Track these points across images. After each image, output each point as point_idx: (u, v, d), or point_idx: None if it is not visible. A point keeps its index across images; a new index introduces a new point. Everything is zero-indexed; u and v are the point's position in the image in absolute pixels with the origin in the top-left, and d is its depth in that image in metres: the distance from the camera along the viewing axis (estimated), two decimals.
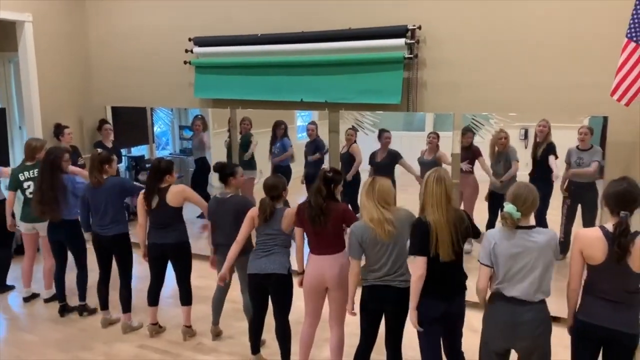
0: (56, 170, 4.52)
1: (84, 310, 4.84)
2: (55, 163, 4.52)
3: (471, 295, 3.11)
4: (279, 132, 5.76)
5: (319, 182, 3.47)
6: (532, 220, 2.86)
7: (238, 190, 4.24)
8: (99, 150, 4.56)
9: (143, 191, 4.24)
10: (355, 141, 5.30)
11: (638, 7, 3.62)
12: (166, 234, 4.20)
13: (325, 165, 5.37)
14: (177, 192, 4.17)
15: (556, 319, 3.74)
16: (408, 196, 5.01)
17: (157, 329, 4.47)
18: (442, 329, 3.15)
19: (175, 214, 4.19)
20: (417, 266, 3.02)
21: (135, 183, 4.95)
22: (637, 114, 4.14)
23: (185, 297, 4.36)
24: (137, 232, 4.29)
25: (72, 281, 4.86)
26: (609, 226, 2.70)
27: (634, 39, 3.67)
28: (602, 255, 2.69)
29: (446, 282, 3.05)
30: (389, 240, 3.18)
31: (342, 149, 5.34)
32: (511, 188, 2.88)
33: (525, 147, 4.69)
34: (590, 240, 2.73)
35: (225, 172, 4.11)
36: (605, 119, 4.24)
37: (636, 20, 3.65)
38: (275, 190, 3.68)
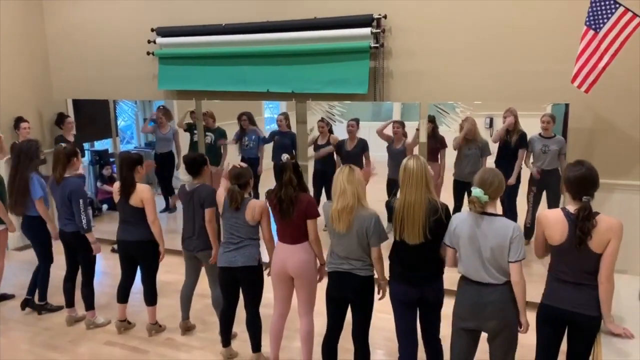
0: (30, 161, 4.42)
1: (43, 309, 4.72)
2: (29, 155, 4.41)
3: (450, 283, 3.13)
4: (244, 124, 5.71)
5: (289, 172, 3.44)
6: (499, 209, 2.91)
7: (206, 180, 4.18)
8: (63, 144, 4.42)
9: (117, 184, 4.15)
10: (331, 131, 5.31)
11: None
12: (130, 230, 4.13)
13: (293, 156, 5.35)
14: (139, 191, 4.06)
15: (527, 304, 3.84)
16: (378, 185, 5.07)
17: (125, 325, 4.39)
18: (415, 314, 3.19)
19: (135, 212, 4.08)
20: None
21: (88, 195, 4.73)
22: (597, 100, 4.24)
23: (150, 297, 4.28)
24: None
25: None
26: (571, 208, 2.76)
27: (593, 27, 3.74)
28: (562, 235, 2.75)
29: (414, 267, 3.08)
30: (347, 231, 3.18)
31: (317, 138, 5.33)
32: (478, 173, 2.94)
33: (490, 135, 4.77)
34: (552, 220, 2.79)
35: (198, 162, 4.03)
36: (567, 106, 4.33)
37: (595, 9, 3.73)
38: (243, 178, 3.63)
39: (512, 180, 4.57)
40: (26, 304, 4.75)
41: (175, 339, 4.29)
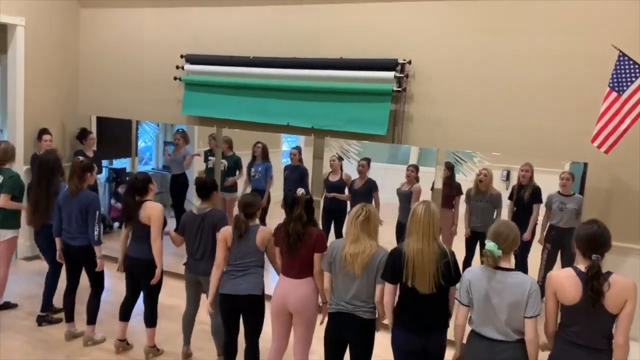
0: (53, 175, 4.51)
1: (43, 320, 4.71)
2: (50, 167, 4.50)
3: (450, 334, 3.07)
4: (257, 151, 5.78)
5: (300, 208, 3.44)
6: (512, 264, 2.87)
7: (215, 205, 4.19)
8: (81, 158, 4.48)
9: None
10: (341, 167, 5.34)
11: (621, 59, 3.73)
12: (136, 247, 4.13)
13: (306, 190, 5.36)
14: (148, 208, 4.07)
15: None
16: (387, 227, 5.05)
17: (124, 345, 4.35)
18: None
19: (145, 228, 4.07)
20: (385, 292, 3.07)
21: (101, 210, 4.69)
22: (615, 162, 4.22)
23: (150, 318, 4.24)
24: (120, 241, 4.24)
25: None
26: (581, 267, 2.71)
27: (616, 89, 3.76)
28: (576, 295, 2.67)
29: (423, 315, 3.02)
30: (361, 272, 3.15)
31: (328, 175, 5.35)
32: (492, 226, 2.90)
33: (507, 189, 4.74)
34: (563, 280, 2.72)
35: (208, 186, 4.07)
36: (585, 165, 4.31)
37: (619, 72, 3.76)
38: (251, 207, 3.64)
39: (527, 236, 4.52)
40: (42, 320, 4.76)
41: None
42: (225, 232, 3.70)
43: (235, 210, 3.84)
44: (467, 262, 4.74)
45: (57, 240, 4.38)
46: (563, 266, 4.44)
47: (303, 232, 3.41)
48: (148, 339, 4.27)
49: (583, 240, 2.74)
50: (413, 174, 5.02)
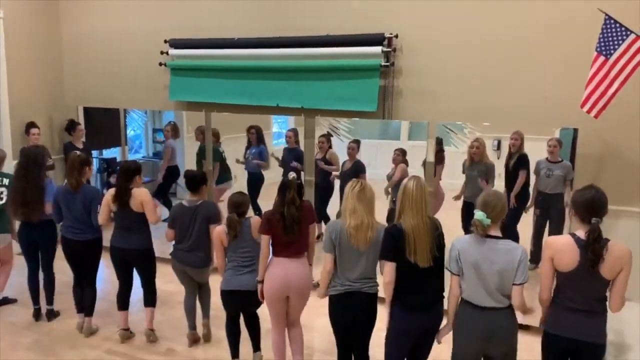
0: (42, 169, 4.46)
1: (52, 314, 4.73)
2: (38, 162, 4.45)
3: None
4: (252, 137, 5.74)
5: (293, 192, 3.47)
6: (499, 233, 2.91)
7: (206, 197, 4.24)
8: (78, 152, 4.45)
9: (111, 191, 4.16)
10: (330, 146, 5.32)
11: (607, 22, 3.73)
12: (130, 238, 4.15)
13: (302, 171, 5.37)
14: (137, 194, 4.11)
15: (524, 327, 3.81)
16: (379, 203, 5.07)
17: (128, 334, 4.39)
18: (413, 340, 3.13)
19: (138, 218, 4.13)
20: (386, 272, 3.04)
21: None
22: (606, 126, 4.25)
23: (149, 298, 4.32)
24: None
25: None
26: (580, 233, 2.74)
27: (603, 53, 3.77)
28: (573, 261, 2.71)
29: (425, 290, 3.04)
30: (366, 247, 3.17)
31: (316, 154, 5.35)
32: (480, 196, 2.94)
33: (498, 158, 4.76)
34: (561, 246, 2.76)
35: (198, 180, 4.11)
36: (576, 130, 4.34)
37: (606, 36, 3.76)
38: (243, 206, 3.74)
39: (512, 200, 4.57)
40: (38, 313, 4.75)
41: (176, 349, 4.27)
42: (220, 234, 3.75)
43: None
44: (467, 231, 4.77)
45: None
46: (550, 232, 4.50)
47: (298, 215, 3.46)
48: (148, 320, 4.34)
49: (582, 206, 2.76)
50: (399, 157, 5.02)
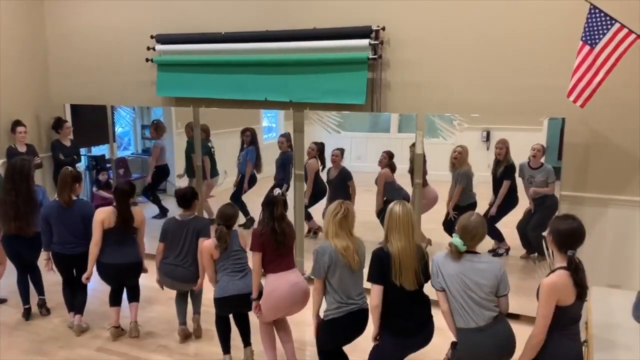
0: (30, 181, 4.45)
1: (44, 305, 4.73)
2: (25, 173, 4.42)
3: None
4: (246, 140, 5.73)
5: (280, 208, 3.55)
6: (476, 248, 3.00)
7: (195, 212, 4.30)
8: (69, 168, 4.44)
9: (102, 213, 4.18)
10: (315, 156, 5.33)
11: (592, 11, 3.73)
12: (126, 252, 4.22)
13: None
14: (136, 213, 4.27)
15: (515, 316, 3.83)
16: (372, 196, 5.09)
17: (119, 331, 4.38)
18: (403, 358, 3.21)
19: (133, 233, 4.29)
20: (373, 295, 3.07)
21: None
22: (593, 115, 4.27)
23: (133, 294, 4.41)
24: (91, 251, 4.17)
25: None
26: (561, 265, 2.71)
27: (589, 42, 3.77)
28: (573, 295, 2.67)
29: (413, 315, 3.07)
30: (357, 268, 3.23)
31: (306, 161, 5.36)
32: (462, 218, 2.99)
33: (487, 149, 4.77)
34: (563, 287, 2.66)
35: (189, 196, 4.18)
36: (563, 120, 4.36)
37: (591, 25, 3.76)
38: (232, 219, 3.84)
39: (492, 210, 4.68)
40: (29, 312, 4.71)
41: (167, 345, 4.26)
42: (210, 248, 3.79)
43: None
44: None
45: (45, 253, 4.40)
46: (534, 225, 4.53)
47: (288, 231, 3.59)
48: (132, 314, 4.37)
49: (564, 236, 2.70)
50: (385, 160, 5.04)
